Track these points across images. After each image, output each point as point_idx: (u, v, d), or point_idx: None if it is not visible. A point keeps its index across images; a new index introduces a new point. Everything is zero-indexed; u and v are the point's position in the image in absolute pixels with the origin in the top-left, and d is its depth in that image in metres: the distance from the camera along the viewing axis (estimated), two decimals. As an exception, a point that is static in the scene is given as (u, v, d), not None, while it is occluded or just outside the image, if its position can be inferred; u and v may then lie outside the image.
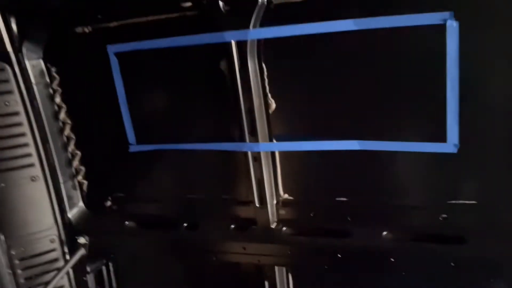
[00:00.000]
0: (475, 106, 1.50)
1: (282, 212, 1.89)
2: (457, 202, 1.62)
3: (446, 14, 1.41)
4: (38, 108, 2.04)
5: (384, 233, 1.72)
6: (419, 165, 1.65)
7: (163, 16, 1.77)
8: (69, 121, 2.14)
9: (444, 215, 1.64)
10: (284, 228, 1.88)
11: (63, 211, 2.18)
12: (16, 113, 2.01)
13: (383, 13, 1.49)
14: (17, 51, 1.94)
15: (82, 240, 2.19)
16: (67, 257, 2.21)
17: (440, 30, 1.43)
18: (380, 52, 1.56)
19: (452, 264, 1.60)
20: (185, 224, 2.06)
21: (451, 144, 1.55)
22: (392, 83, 1.58)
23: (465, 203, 1.61)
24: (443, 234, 1.64)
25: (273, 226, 1.89)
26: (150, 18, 1.79)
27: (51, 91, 2.09)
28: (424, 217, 1.68)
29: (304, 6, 1.58)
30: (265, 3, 1.60)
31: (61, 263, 2.21)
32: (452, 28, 1.42)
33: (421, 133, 1.59)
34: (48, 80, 2.07)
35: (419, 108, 1.57)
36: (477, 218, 1.60)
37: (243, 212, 1.94)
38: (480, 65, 1.46)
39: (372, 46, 1.56)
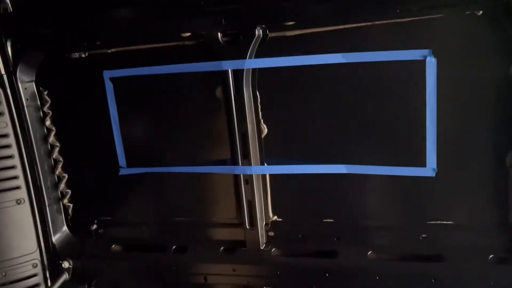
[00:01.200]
0: (451, 134, 1.65)
1: (271, 233, 1.95)
2: (436, 222, 1.75)
3: (426, 51, 1.58)
4: (28, 130, 2.04)
5: (369, 252, 1.82)
6: (401, 188, 1.77)
7: (161, 45, 1.85)
8: (57, 144, 2.14)
9: (424, 235, 1.77)
10: (273, 250, 1.94)
11: (47, 235, 2.15)
12: (5, 135, 2.01)
13: (369, 48, 1.64)
14: (11, 74, 1.96)
15: (65, 264, 2.17)
16: (49, 282, 2.16)
17: (420, 65, 1.60)
18: (365, 83, 1.70)
19: (433, 280, 1.73)
20: (173, 247, 2.08)
21: (430, 168, 1.69)
22: (376, 112, 1.71)
23: (443, 223, 1.74)
24: (423, 252, 1.77)
25: (262, 247, 1.94)
26: (148, 45, 1.87)
27: (41, 114, 2.10)
28: (406, 237, 1.80)
29: (297, 40, 1.71)
30: (261, 36, 1.71)
31: (42, 289, 2.16)
32: (431, 63, 1.59)
33: (403, 159, 1.72)
34: (39, 103, 2.08)
35: (401, 136, 1.71)
36: (454, 237, 1.73)
37: (233, 234, 1.99)
38: (456, 96, 1.62)
39: (358, 78, 1.70)
